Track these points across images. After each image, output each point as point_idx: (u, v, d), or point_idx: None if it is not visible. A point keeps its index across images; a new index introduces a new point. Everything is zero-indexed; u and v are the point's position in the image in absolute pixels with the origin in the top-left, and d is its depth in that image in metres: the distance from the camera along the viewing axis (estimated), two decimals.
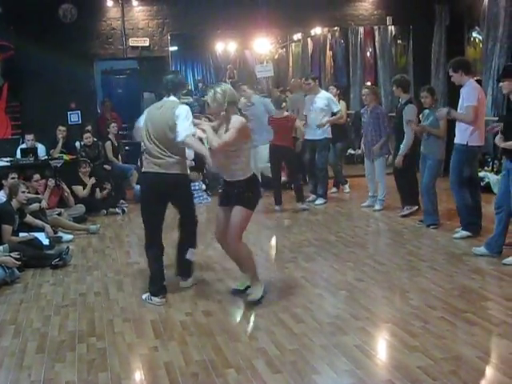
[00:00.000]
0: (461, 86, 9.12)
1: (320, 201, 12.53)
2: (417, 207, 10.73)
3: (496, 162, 12.88)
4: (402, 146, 10.45)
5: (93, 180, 12.67)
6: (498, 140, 8.17)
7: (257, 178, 7.11)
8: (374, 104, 11.50)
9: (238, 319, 6.52)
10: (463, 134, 8.94)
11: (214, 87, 6.78)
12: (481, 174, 12.67)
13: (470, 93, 8.91)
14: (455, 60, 9.30)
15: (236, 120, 6.64)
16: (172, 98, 7.23)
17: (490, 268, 7.82)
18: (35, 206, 10.31)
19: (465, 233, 9.29)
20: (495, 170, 12.76)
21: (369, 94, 11.48)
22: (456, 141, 9.07)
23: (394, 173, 11.01)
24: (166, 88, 7.24)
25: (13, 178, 10.39)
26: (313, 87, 12.60)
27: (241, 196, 6.70)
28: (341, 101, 13.36)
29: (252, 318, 6.49)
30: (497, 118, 12.33)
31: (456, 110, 9.13)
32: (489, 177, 12.58)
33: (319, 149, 12.47)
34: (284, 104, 12.21)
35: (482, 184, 12.25)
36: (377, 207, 11.67)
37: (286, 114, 12.04)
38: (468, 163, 9.10)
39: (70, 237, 10.48)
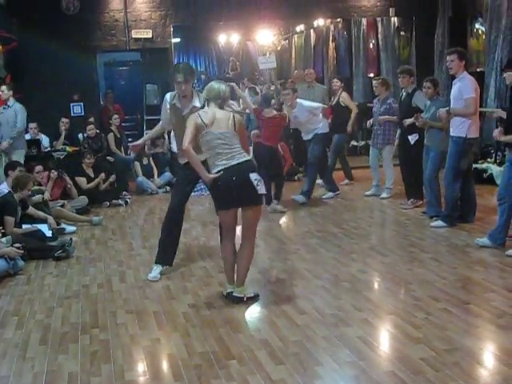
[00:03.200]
0: (453, 77, 9.23)
1: (300, 198, 11.73)
2: (421, 202, 10.72)
3: (499, 153, 12.86)
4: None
5: (102, 176, 12.68)
6: (498, 134, 8.20)
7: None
8: (385, 95, 11.79)
9: (241, 311, 6.51)
10: (461, 127, 8.99)
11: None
12: (483, 165, 12.71)
13: (468, 85, 8.95)
14: (461, 49, 9.38)
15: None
16: None
17: (492, 259, 7.82)
18: (38, 197, 10.32)
19: (441, 223, 9.43)
20: (498, 161, 12.74)
21: (378, 86, 11.84)
22: (453, 133, 9.11)
23: (401, 165, 11.06)
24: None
25: (20, 171, 10.36)
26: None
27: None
28: (343, 92, 13.28)
29: (255, 310, 6.49)
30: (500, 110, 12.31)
31: (450, 102, 9.20)
32: (492, 168, 12.57)
33: (313, 142, 11.80)
34: (273, 101, 11.61)
35: (484, 176, 12.29)
36: (384, 195, 11.85)
37: (275, 112, 11.14)
38: (466, 155, 9.17)
39: (73, 228, 10.49)
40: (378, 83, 11.86)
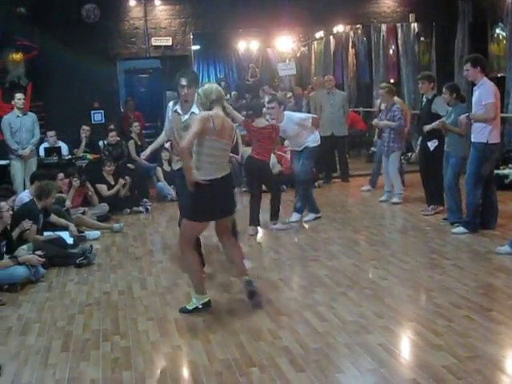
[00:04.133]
0: (473, 84, 9.19)
1: (294, 217, 10.81)
2: (442, 208, 10.67)
3: None
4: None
5: (121, 181, 12.71)
6: None
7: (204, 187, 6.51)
8: (391, 102, 11.92)
9: (262, 318, 6.51)
10: (482, 132, 8.95)
11: (198, 91, 6.93)
12: (505, 171, 12.62)
13: (487, 90, 8.93)
14: (475, 56, 9.39)
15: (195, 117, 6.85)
16: None
17: None
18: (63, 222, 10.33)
19: (463, 229, 9.36)
20: None
21: (384, 94, 12.01)
22: (474, 139, 9.07)
23: (421, 171, 11.03)
24: None
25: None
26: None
27: None
28: (395, 97, 13.15)
29: (275, 317, 6.48)
30: None
31: (471, 108, 9.18)
32: None
33: (304, 156, 10.74)
34: (267, 110, 10.40)
35: (506, 181, 12.22)
36: (395, 200, 11.92)
37: (266, 122, 10.15)
38: (487, 161, 9.12)
39: (97, 233, 10.60)
40: (385, 91, 11.98)
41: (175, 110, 7.72)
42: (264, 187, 10.53)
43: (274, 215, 10.36)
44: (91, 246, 9.42)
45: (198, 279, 6.82)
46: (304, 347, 5.63)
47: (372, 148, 15.95)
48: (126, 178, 12.96)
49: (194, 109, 7.52)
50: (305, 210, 10.93)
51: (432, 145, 10.40)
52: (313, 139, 10.61)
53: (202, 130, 6.42)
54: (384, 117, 11.95)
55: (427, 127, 10.31)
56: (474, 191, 9.17)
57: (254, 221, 10.15)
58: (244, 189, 13.25)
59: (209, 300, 6.77)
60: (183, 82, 7.45)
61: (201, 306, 6.71)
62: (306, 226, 10.55)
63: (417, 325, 6.03)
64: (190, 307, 6.73)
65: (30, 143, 12.31)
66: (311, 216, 10.95)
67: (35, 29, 14.34)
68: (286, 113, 10.55)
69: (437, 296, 6.80)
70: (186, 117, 7.52)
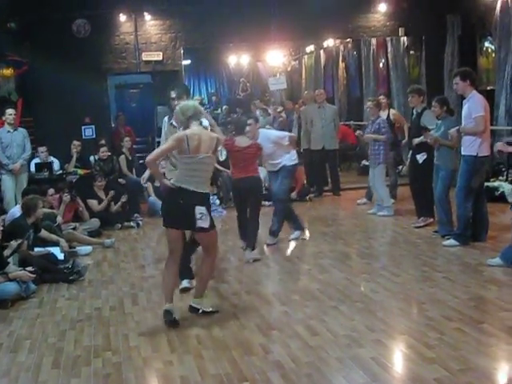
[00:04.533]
0: (463, 97, 9.26)
1: (270, 240, 10.28)
2: (432, 219, 10.70)
3: (510, 171, 12.84)
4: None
5: (111, 193, 12.68)
6: (501, 146, 8.25)
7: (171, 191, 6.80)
8: (376, 116, 12.02)
9: (253, 332, 6.50)
10: (472, 145, 8.99)
11: (176, 109, 7.12)
12: (495, 183, 12.67)
13: (477, 103, 8.99)
14: (464, 69, 9.46)
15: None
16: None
17: (506, 278, 7.78)
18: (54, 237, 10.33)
19: (454, 242, 9.39)
20: (510, 179, 12.71)
21: (372, 108, 12.03)
22: (464, 152, 9.12)
23: (411, 184, 11.08)
24: None
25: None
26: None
27: None
28: (391, 109, 13.27)
29: (267, 331, 6.47)
30: (510, 128, 12.33)
31: (460, 121, 9.24)
32: (503, 186, 12.53)
33: (282, 175, 10.24)
34: (248, 128, 9.55)
35: (496, 194, 12.26)
36: (384, 213, 11.97)
37: (249, 141, 9.45)
38: (477, 173, 9.16)
39: (89, 248, 10.60)
40: (373, 104, 12.07)
41: (171, 124, 7.83)
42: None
43: (251, 243, 9.43)
44: (74, 260, 9.43)
45: (166, 287, 7.02)
46: (296, 361, 5.62)
47: (363, 161, 15.99)
48: (124, 196, 12.91)
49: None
50: (291, 227, 10.52)
51: (421, 157, 10.46)
52: (289, 158, 10.19)
53: (174, 148, 6.78)
54: (369, 130, 12.01)
55: (416, 140, 10.39)
56: (464, 204, 9.20)
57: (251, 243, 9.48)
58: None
59: (166, 310, 6.84)
60: (172, 94, 7.78)
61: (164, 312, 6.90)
62: (294, 242, 10.47)
63: (409, 338, 6.03)
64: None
65: (21, 158, 12.30)
66: (297, 234, 10.52)
67: (26, 44, 14.35)
68: (261, 130, 10.10)
69: (428, 309, 6.80)
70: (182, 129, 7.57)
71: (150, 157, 6.71)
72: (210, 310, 7.03)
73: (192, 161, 6.67)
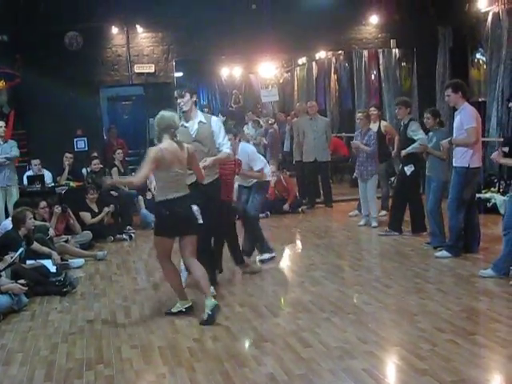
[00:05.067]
0: (454, 109, 9.34)
1: (265, 256, 9.81)
2: (425, 232, 10.73)
3: (502, 182, 12.87)
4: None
5: (106, 210, 12.70)
6: (496, 155, 8.29)
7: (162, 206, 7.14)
8: (366, 127, 12.06)
9: (246, 344, 6.50)
10: (463, 157, 9.03)
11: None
12: (487, 194, 12.73)
13: (468, 115, 9.04)
14: (456, 81, 9.49)
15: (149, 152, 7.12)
16: None
17: (498, 289, 7.79)
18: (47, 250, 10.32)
19: (446, 253, 9.42)
20: (501, 190, 12.74)
21: (362, 119, 12.10)
22: (455, 164, 9.16)
23: (395, 195, 11.37)
24: None
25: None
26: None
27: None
28: (383, 121, 13.26)
29: (259, 343, 6.46)
30: (501, 139, 12.35)
31: (452, 133, 9.30)
32: (495, 198, 12.56)
33: (254, 191, 9.66)
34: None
35: (488, 205, 12.29)
36: (374, 224, 12.04)
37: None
38: (469, 185, 9.20)
39: (81, 261, 10.58)
40: (364, 116, 12.14)
41: (182, 125, 7.78)
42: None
43: (237, 258, 9.30)
44: (66, 273, 9.39)
45: (177, 287, 7.51)
46: (288, 373, 5.61)
47: (355, 173, 16.02)
48: (111, 205, 12.92)
49: (201, 117, 7.96)
50: (255, 250, 9.88)
51: (408, 169, 10.56)
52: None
53: (155, 163, 6.96)
54: (359, 141, 12.08)
55: (403, 152, 10.49)
56: (456, 215, 9.22)
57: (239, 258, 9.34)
58: None
59: (191, 305, 7.38)
60: (175, 94, 7.94)
61: (184, 310, 7.35)
62: (289, 250, 10.47)
63: (401, 349, 6.03)
64: (174, 310, 7.45)
65: (4, 153, 12.31)
66: (266, 256, 9.81)
67: (17, 56, 14.34)
68: (242, 144, 9.57)
69: (420, 320, 6.81)
70: (195, 127, 7.90)
71: (135, 180, 7.28)
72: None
73: (170, 174, 7.01)
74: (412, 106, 11.18)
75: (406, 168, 10.62)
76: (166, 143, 7.01)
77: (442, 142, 9.42)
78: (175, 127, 7.15)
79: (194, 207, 7.11)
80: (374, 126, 12.45)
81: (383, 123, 12.99)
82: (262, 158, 10.08)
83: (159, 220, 7.32)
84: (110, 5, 14.78)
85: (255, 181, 9.61)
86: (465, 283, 8.11)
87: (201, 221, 7.14)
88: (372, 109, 13.07)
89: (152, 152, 6.99)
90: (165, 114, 7.22)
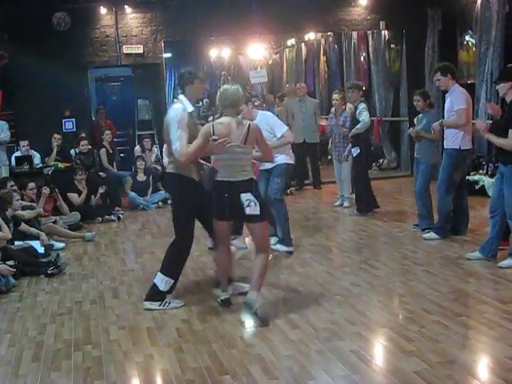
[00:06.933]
0: (445, 91, 9.37)
1: (282, 247, 9.24)
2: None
3: (490, 165, 12.90)
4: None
5: (101, 190, 12.72)
6: (481, 125, 8.27)
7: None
8: (341, 109, 12.11)
9: (234, 326, 6.50)
10: (454, 138, 9.04)
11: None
12: (475, 177, 12.76)
13: (459, 96, 9.05)
14: (443, 64, 9.51)
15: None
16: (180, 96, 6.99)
17: (485, 271, 7.83)
18: (33, 212, 10.32)
19: (434, 235, 9.47)
20: (489, 173, 12.77)
21: (339, 100, 12.06)
22: (447, 146, 9.18)
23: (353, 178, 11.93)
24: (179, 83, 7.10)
25: (11, 186, 10.49)
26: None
27: None
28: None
29: (248, 324, 6.47)
30: (490, 121, 12.35)
31: (443, 115, 9.32)
32: (483, 180, 12.61)
33: (275, 173, 9.04)
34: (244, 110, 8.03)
35: (476, 187, 12.34)
36: (345, 204, 12.32)
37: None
38: (459, 167, 9.24)
39: (61, 245, 10.46)
40: (340, 97, 12.09)
41: (190, 113, 6.88)
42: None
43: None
44: (58, 254, 9.39)
45: (221, 275, 7.14)
46: (276, 355, 5.63)
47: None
48: (103, 186, 12.90)
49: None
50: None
51: (354, 151, 10.89)
52: (284, 157, 8.97)
53: (205, 140, 6.51)
54: (334, 122, 12.19)
55: (350, 133, 11.12)
56: (445, 197, 9.24)
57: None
58: None
59: (228, 299, 6.98)
60: (203, 77, 7.22)
61: (220, 302, 6.99)
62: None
63: (388, 331, 6.06)
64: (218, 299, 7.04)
65: None
66: (283, 248, 9.25)
67: (5, 37, 14.23)
68: (261, 112, 9.08)
69: (408, 302, 6.84)
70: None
71: (182, 156, 6.58)
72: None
73: (221, 156, 6.58)
74: (363, 90, 11.45)
75: (353, 150, 10.96)
76: (224, 118, 6.57)
77: (433, 125, 9.42)
78: (238, 104, 6.65)
79: (245, 196, 6.44)
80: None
81: (348, 105, 12.95)
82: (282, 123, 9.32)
83: (211, 200, 6.69)
84: None
85: (275, 164, 8.82)
86: (452, 265, 8.14)
87: (253, 212, 6.47)
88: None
89: (203, 129, 6.63)
90: (229, 89, 6.61)
